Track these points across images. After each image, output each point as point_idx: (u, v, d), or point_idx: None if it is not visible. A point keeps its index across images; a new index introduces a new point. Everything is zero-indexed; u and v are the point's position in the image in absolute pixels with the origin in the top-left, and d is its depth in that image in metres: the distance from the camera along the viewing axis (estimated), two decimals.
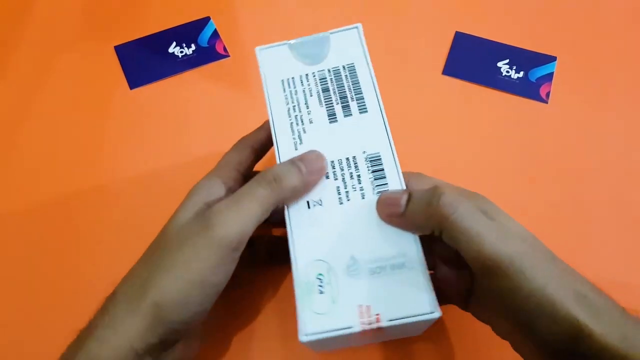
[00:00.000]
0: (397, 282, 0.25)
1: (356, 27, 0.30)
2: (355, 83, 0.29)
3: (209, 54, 0.48)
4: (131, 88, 0.46)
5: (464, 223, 0.23)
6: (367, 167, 0.27)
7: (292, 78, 0.30)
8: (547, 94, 0.44)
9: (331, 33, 0.30)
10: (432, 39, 0.48)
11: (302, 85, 0.29)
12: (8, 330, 0.36)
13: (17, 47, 0.49)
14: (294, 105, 0.29)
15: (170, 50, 0.48)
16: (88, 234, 0.39)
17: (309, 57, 0.30)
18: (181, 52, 0.48)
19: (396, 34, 0.49)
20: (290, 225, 0.27)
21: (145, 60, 0.48)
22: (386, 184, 0.27)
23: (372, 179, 0.27)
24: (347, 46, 0.30)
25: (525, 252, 0.23)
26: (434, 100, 0.44)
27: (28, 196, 0.41)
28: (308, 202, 0.27)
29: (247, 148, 0.31)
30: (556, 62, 0.46)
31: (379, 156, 0.28)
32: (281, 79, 0.30)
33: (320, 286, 0.25)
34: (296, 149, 0.28)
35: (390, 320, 0.24)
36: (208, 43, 0.49)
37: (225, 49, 0.48)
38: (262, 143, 0.32)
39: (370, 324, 0.24)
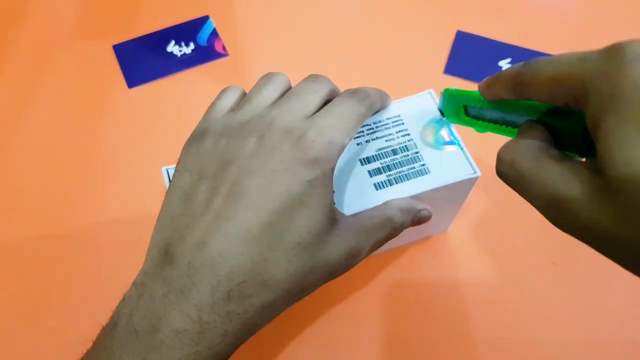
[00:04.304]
0: None
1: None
2: None
3: (208, 53, 0.48)
4: (129, 87, 0.46)
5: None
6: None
7: None
8: None
9: None
10: (433, 38, 0.48)
11: None
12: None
13: (14, 46, 0.49)
14: None
15: (169, 49, 0.48)
16: (87, 233, 0.39)
17: None
18: (180, 51, 0.48)
19: (397, 33, 0.48)
20: None
21: (143, 59, 0.47)
22: None
23: None
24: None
25: None
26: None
27: (25, 195, 0.40)
28: None
29: None
30: None
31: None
32: None
33: None
34: None
35: None
36: (207, 42, 0.48)
37: (224, 48, 0.48)
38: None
39: None
